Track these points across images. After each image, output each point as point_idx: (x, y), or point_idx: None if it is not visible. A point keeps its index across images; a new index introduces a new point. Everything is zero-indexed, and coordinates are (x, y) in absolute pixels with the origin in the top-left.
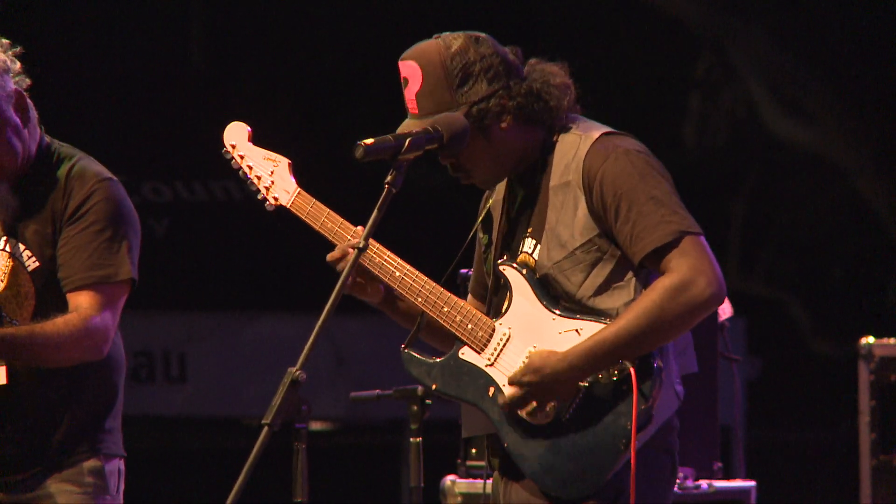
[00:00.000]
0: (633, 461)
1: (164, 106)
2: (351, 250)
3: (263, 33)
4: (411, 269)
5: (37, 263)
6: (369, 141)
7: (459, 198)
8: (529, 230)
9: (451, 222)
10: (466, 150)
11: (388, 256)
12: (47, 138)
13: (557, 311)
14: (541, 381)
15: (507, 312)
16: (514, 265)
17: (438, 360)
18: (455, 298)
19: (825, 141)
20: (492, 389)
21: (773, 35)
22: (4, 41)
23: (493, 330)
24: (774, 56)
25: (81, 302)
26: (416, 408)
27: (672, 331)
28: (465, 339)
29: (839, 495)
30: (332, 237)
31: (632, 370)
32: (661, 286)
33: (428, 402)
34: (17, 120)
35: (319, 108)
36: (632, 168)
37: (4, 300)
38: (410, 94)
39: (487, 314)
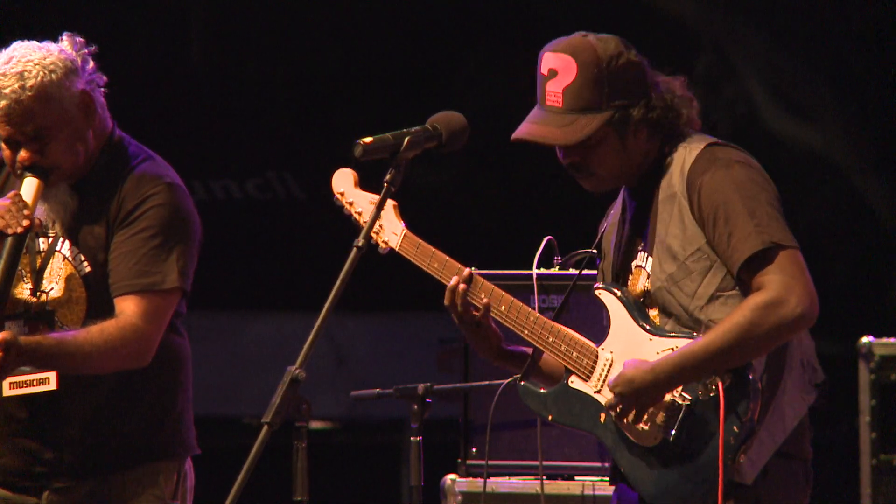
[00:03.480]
0: (720, 471)
1: (163, 104)
2: (463, 286)
3: (264, 31)
4: (516, 301)
5: (89, 268)
6: (368, 140)
7: (460, 197)
8: (642, 244)
9: (452, 222)
10: (600, 150)
11: (494, 291)
12: (118, 135)
13: (655, 332)
14: (630, 393)
15: (608, 337)
16: (609, 288)
17: (551, 390)
18: (559, 328)
19: (826, 139)
20: (603, 416)
21: (774, 33)
22: (79, 39)
23: (597, 356)
24: (774, 54)
25: (124, 309)
26: (416, 407)
27: (760, 348)
28: (572, 368)
29: (839, 495)
30: (440, 277)
31: (719, 384)
32: (752, 303)
33: (428, 400)
34: (81, 121)
35: (319, 108)
36: (731, 179)
37: (57, 304)
38: (556, 86)
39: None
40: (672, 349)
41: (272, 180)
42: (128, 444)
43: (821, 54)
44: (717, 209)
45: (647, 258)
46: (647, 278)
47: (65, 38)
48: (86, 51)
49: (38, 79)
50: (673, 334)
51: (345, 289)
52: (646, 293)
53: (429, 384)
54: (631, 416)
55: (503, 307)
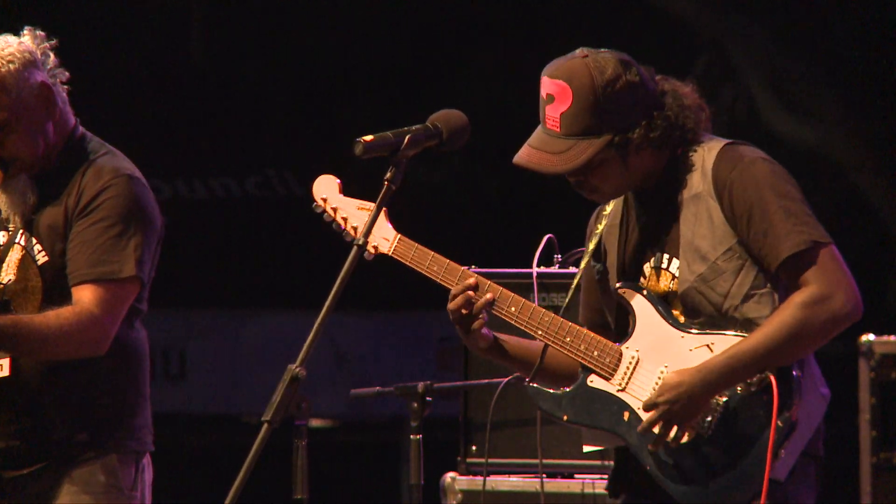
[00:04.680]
0: (767, 469)
1: (164, 103)
2: (471, 293)
3: (265, 29)
4: (527, 302)
5: (46, 258)
6: (369, 138)
7: (460, 195)
8: (665, 247)
9: (452, 220)
10: (602, 171)
11: (503, 293)
12: (80, 132)
13: (686, 329)
14: (678, 399)
15: (633, 335)
16: (633, 286)
17: (567, 390)
18: (576, 327)
19: (825, 138)
20: (627, 414)
21: (774, 32)
22: (40, 33)
23: (621, 355)
24: (774, 53)
25: (81, 297)
26: (416, 405)
27: (811, 345)
28: (592, 367)
29: (839, 493)
30: (441, 281)
31: (772, 379)
32: (800, 300)
33: (428, 399)
34: (41, 113)
35: (320, 106)
36: (761, 177)
37: (13, 294)
38: (554, 111)
39: (615, 339)
40: (707, 346)
41: (272, 178)
42: (86, 438)
43: (820, 53)
44: (751, 207)
45: (668, 259)
46: (673, 279)
47: (26, 31)
48: (46, 45)
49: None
50: (708, 330)
51: (345, 287)
52: (668, 293)
53: (429, 382)
54: (673, 430)
55: (513, 308)
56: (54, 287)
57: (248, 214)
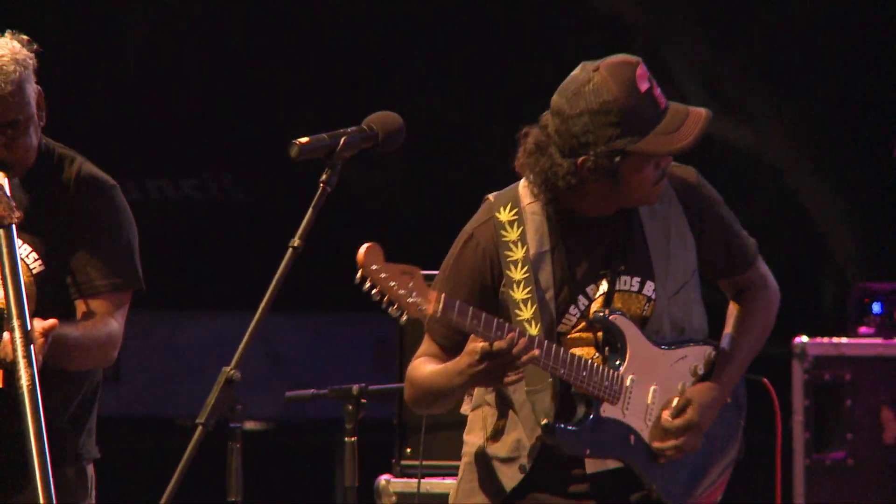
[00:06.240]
0: (778, 464)
1: (99, 104)
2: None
3: (200, 30)
4: (548, 342)
5: (41, 267)
6: (304, 140)
7: (397, 198)
8: (624, 268)
9: (391, 222)
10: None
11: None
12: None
13: (662, 345)
14: (701, 413)
15: (628, 360)
16: (620, 312)
17: (583, 423)
18: (583, 358)
19: (762, 140)
20: (632, 438)
21: (709, 34)
22: (24, 37)
23: (622, 381)
24: (710, 55)
25: (98, 307)
26: (350, 407)
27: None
28: (603, 397)
29: (772, 494)
30: (482, 335)
31: (767, 382)
32: (767, 300)
33: (363, 401)
34: (38, 117)
35: (256, 108)
36: (710, 188)
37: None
38: (658, 89)
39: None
40: (682, 358)
41: (208, 181)
42: (63, 447)
43: (757, 53)
44: (715, 218)
45: (637, 282)
46: (648, 303)
47: (9, 35)
48: (33, 49)
49: (17, 73)
50: (675, 345)
51: (280, 289)
52: (643, 317)
53: (364, 385)
54: (698, 439)
55: (538, 351)
56: (46, 296)
57: (184, 217)
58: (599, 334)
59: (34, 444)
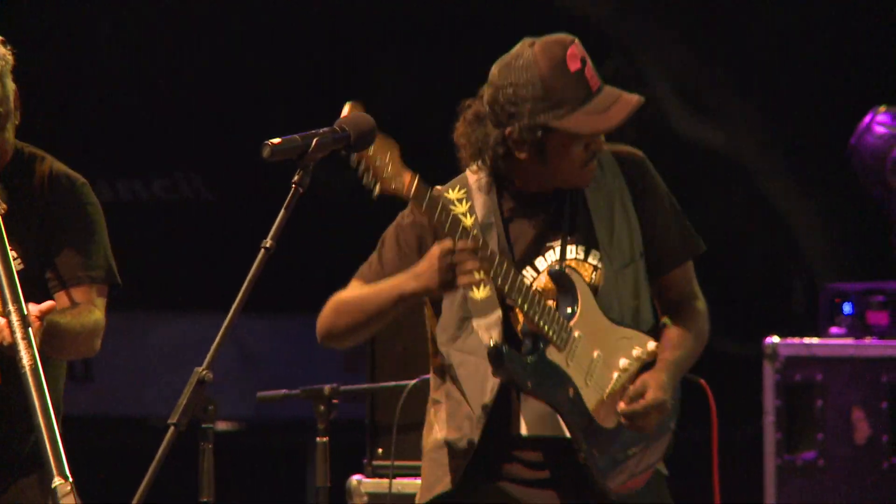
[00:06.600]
0: (714, 464)
1: (69, 103)
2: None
3: (171, 29)
4: (508, 263)
5: (22, 266)
6: (276, 141)
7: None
8: (570, 238)
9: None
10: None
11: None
12: None
13: (610, 318)
14: (666, 394)
15: (577, 317)
16: (574, 269)
17: (530, 358)
18: (539, 291)
19: (734, 143)
20: (572, 391)
21: (682, 36)
22: None
23: (571, 331)
24: (684, 57)
25: (80, 297)
26: (322, 407)
27: None
28: (550, 338)
29: (744, 495)
30: (448, 233)
31: (703, 382)
32: (705, 311)
33: (334, 401)
34: (14, 114)
35: (227, 108)
36: (657, 174)
37: None
38: (592, 71)
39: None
40: (625, 338)
41: (179, 181)
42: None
43: (729, 57)
44: (659, 203)
45: (582, 250)
46: (595, 271)
47: None
48: (8, 49)
49: None
50: (622, 326)
51: (252, 290)
52: (591, 285)
53: (335, 385)
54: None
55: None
56: (29, 293)
57: (155, 217)
58: (550, 302)
59: (42, 420)
